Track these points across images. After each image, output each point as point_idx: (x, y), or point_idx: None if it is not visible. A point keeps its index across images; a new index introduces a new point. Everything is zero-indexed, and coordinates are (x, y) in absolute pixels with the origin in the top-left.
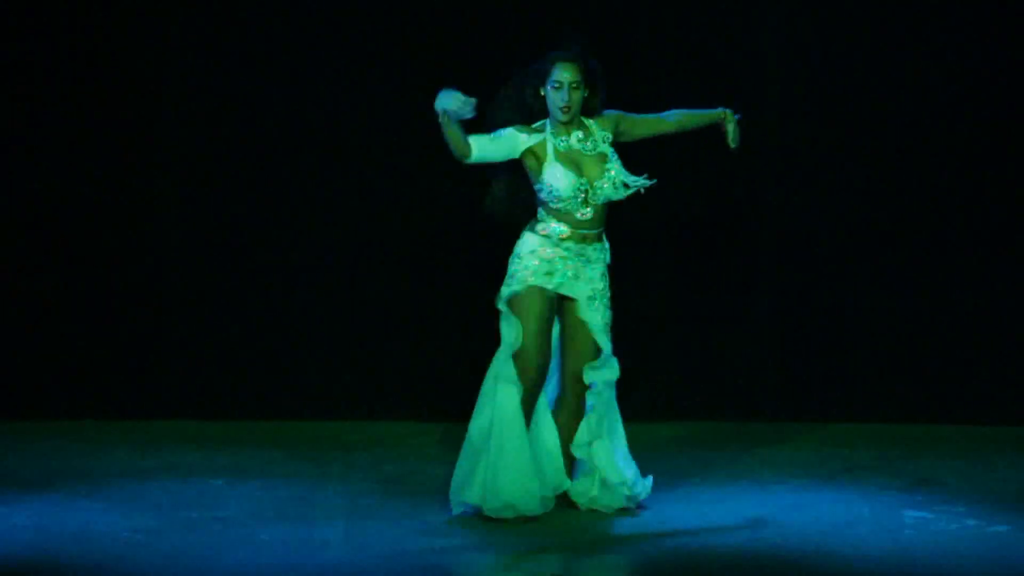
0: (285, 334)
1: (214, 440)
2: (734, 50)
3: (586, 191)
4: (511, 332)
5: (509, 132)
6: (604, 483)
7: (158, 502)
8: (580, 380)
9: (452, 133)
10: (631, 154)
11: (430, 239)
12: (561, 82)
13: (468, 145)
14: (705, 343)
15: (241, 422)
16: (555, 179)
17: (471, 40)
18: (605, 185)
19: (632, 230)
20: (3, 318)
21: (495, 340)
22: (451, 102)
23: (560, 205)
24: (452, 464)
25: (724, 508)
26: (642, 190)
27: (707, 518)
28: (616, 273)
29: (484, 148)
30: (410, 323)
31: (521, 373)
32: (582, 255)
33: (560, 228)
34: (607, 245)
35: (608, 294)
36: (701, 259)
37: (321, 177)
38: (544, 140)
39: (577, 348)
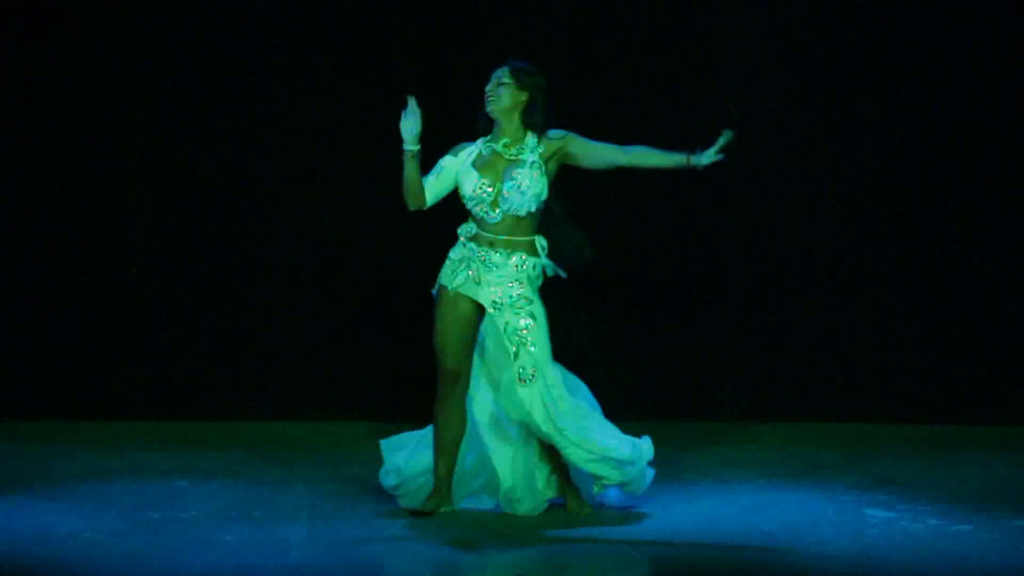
0: (248, 335)
1: (177, 441)
2: (708, 49)
3: (494, 193)
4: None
5: (446, 160)
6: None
7: (121, 503)
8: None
9: (412, 177)
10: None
11: (392, 242)
12: (491, 79)
13: (423, 192)
14: (668, 343)
15: (204, 423)
16: (461, 180)
17: (456, 42)
18: (509, 190)
19: (596, 229)
20: None
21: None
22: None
23: (468, 206)
24: None
25: (687, 508)
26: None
27: (670, 518)
28: (581, 273)
29: (432, 189)
30: (373, 324)
31: (438, 369)
32: (486, 261)
33: (469, 227)
34: (526, 259)
35: (529, 307)
36: (665, 259)
37: (285, 179)
38: (475, 149)
39: (490, 353)
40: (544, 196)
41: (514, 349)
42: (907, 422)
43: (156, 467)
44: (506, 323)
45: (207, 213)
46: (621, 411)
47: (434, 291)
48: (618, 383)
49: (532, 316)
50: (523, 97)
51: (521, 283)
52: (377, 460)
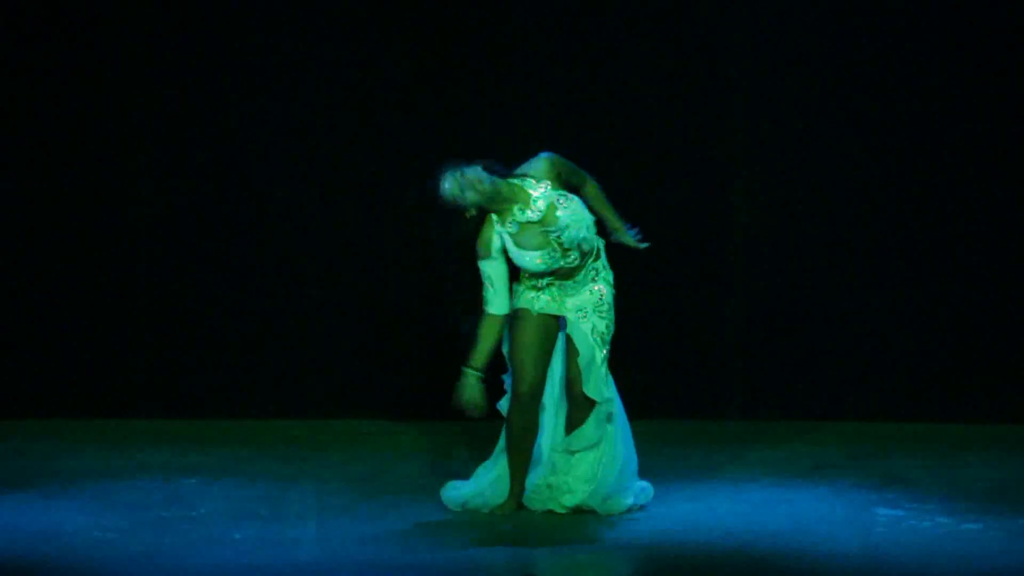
0: (256, 332)
1: (185, 439)
2: (702, 44)
3: (559, 245)
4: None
5: (490, 268)
6: (555, 488)
7: (129, 502)
8: (572, 385)
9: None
10: (612, 157)
11: (400, 237)
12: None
13: (505, 311)
14: (676, 340)
15: (212, 421)
16: (528, 262)
17: (461, 39)
18: (566, 228)
19: (600, 228)
20: None
21: (467, 339)
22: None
23: (545, 272)
24: (423, 462)
25: (696, 506)
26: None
27: (679, 516)
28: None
29: (502, 293)
30: (382, 321)
31: (515, 390)
32: (563, 288)
33: (539, 280)
34: (595, 266)
35: (604, 307)
36: (672, 257)
37: (291, 174)
38: (496, 233)
39: (570, 356)
40: (590, 216)
41: (603, 353)
42: (915, 420)
43: (163, 465)
44: (592, 326)
45: (214, 210)
46: (628, 410)
47: (511, 319)
48: (624, 381)
49: (611, 320)
50: (481, 187)
51: (601, 287)
52: (386, 457)
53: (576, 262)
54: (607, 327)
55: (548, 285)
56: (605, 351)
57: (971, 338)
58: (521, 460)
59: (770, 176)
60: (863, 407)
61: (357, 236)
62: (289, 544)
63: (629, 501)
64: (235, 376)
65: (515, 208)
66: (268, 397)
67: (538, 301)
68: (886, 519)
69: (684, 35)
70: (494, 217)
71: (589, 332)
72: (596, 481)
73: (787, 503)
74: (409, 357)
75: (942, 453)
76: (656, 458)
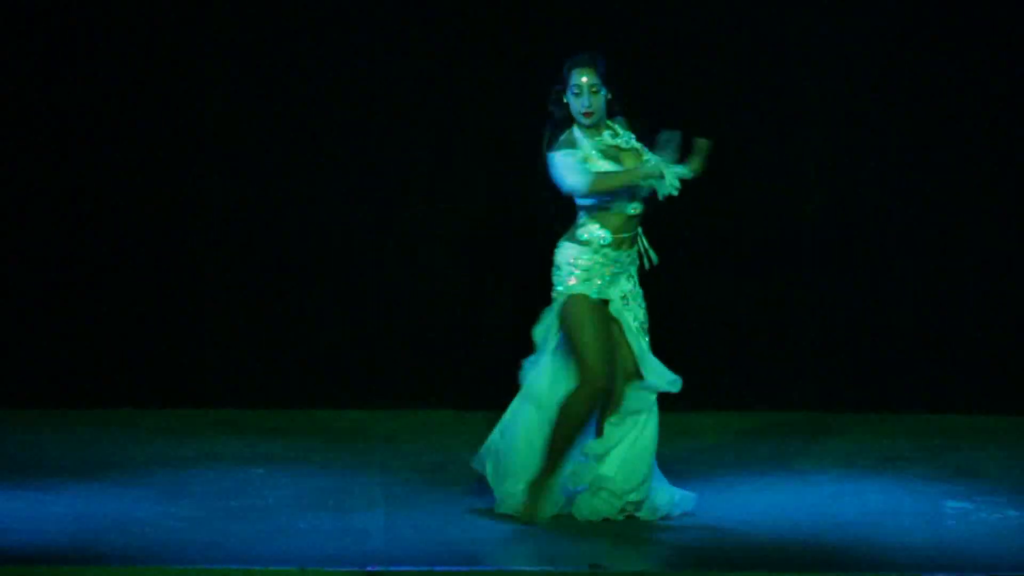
0: (325, 323)
1: (254, 429)
2: (774, 51)
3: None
4: (540, 334)
5: (579, 158)
6: (605, 491)
7: (198, 491)
8: (626, 379)
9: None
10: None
11: (469, 227)
12: (580, 86)
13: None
14: (743, 332)
15: (281, 411)
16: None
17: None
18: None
19: (668, 220)
20: (44, 307)
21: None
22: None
23: (611, 202)
24: None
25: (764, 498)
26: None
27: (747, 508)
28: (654, 263)
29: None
30: (451, 312)
31: (586, 382)
32: (617, 262)
33: (602, 235)
34: (642, 245)
35: (639, 295)
36: (739, 249)
37: (355, 165)
38: (584, 147)
39: (619, 349)
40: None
41: (646, 340)
42: (986, 413)
43: (232, 455)
44: (635, 316)
45: (282, 201)
46: (695, 402)
47: (561, 300)
48: (691, 373)
49: (643, 307)
50: (610, 96)
51: (631, 275)
52: (455, 448)
53: (638, 210)
54: (645, 315)
55: (603, 254)
56: (647, 340)
57: None
58: (570, 447)
59: (842, 164)
60: (933, 399)
61: (425, 226)
62: (357, 534)
63: (659, 503)
64: (303, 366)
65: (605, 132)
66: (336, 387)
67: (592, 286)
68: (955, 511)
69: (753, 37)
70: (579, 132)
71: (632, 321)
72: (627, 471)
73: (856, 495)
74: (478, 348)
75: (1013, 446)
76: (724, 450)
